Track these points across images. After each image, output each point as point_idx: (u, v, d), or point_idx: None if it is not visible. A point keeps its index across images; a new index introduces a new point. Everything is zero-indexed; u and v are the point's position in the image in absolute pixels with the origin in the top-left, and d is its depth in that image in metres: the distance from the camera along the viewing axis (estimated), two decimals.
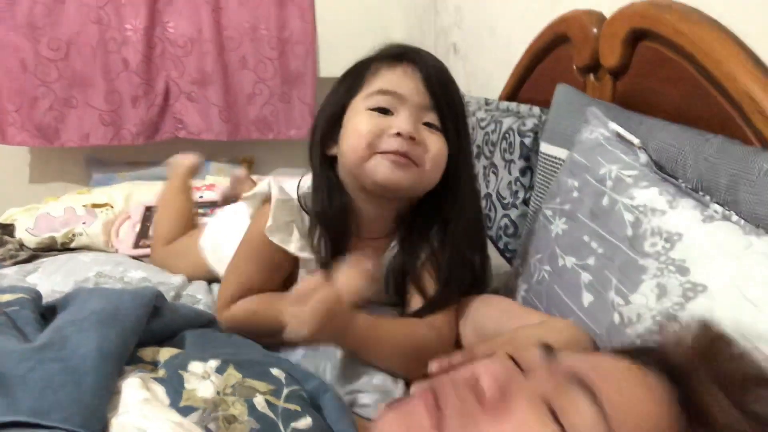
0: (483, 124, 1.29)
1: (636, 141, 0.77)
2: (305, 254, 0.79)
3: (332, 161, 0.80)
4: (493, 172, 1.23)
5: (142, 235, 1.39)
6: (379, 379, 0.70)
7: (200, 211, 1.46)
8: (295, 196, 0.80)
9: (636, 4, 0.93)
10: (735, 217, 0.62)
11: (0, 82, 2.00)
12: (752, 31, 0.75)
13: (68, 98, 2.07)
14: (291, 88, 2.24)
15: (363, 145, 0.73)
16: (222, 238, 0.95)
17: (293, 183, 0.82)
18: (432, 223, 0.80)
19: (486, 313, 0.79)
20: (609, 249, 0.68)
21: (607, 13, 1.02)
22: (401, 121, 0.73)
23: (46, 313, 0.62)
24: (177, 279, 0.82)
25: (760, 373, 0.43)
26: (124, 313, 0.54)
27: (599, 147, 0.80)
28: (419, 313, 0.77)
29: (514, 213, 1.16)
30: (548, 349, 0.45)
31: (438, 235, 0.80)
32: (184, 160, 1.37)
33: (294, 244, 0.78)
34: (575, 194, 0.78)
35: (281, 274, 0.82)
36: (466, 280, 0.81)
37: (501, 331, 0.71)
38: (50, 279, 0.81)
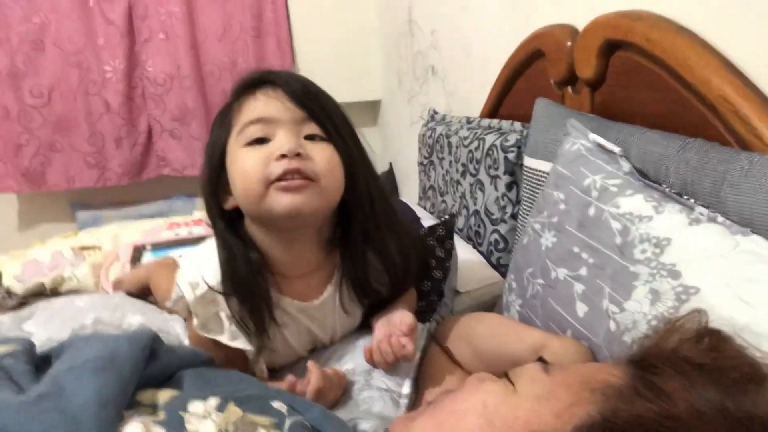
0: (466, 142, 1.31)
1: (617, 150, 0.78)
2: (238, 344, 0.75)
3: (237, 215, 0.76)
4: (480, 189, 1.24)
5: None
6: (378, 406, 0.69)
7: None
8: (205, 281, 0.74)
9: (608, 16, 0.95)
10: (721, 218, 0.62)
11: None
12: (722, 35, 0.77)
13: (52, 143, 2.08)
14: None
15: (253, 183, 0.69)
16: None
17: (201, 255, 0.78)
18: (358, 231, 0.78)
19: (480, 332, 0.79)
20: (600, 258, 0.69)
21: (580, 26, 1.04)
22: (281, 142, 0.69)
23: (41, 363, 0.61)
24: (178, 327, 0.81)
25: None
26: (121, 358, 0.53)
27: (581, 158, 0.81)
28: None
29: (503, 228, 1.17)
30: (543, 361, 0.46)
31: (368, 241, 0.78)
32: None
33: (226, 335, 0.75)
34: (562, 206, 0.79)
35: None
36: (413, 267, 0.82)
37: (498, 351, 0.72)
38: (46, 327, 0.80)
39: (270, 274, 0.77)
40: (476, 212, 1.26)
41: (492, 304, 1.02)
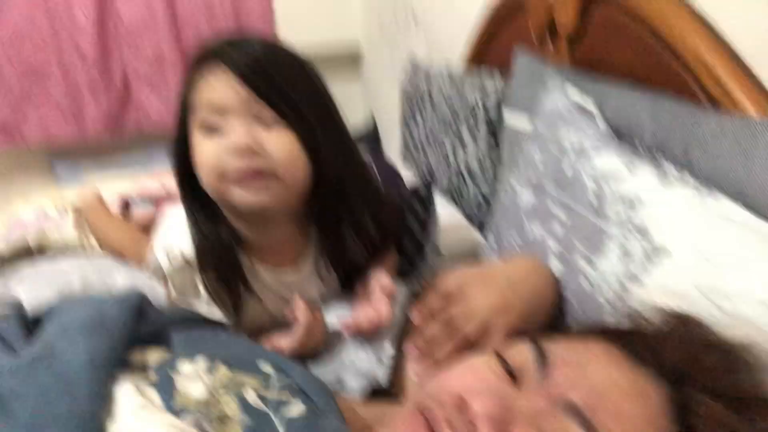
0: (447, 99, 1.30)
1: (594, 110, 0.79)
2: (214, 314, 0.74)
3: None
4: (462, 148, 1.25)
5: None
6: (363, 361, 0.72)
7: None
8: (181, 252, 0.74)
9: None
10: (691, 180, 0.65)
11: None
12: None
13: (26, 94, 2.03)
14: None
15: (211, 178, 0.67)
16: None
17: (177, 222, 0.76)
18: (331, 211, 0.76)
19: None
20: (575, 218, 0.71)
21: None
22: (231, 136, 0.65)
23: (32, 326, 0.62)
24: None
25: (756, 392, 0.46)
26: (111, 320, 0.55)
27: (559, 117, 0.82)
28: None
29: (485, 188, 1.19)
30: (539, 351, 0.47)
31: (342, 219, 0.77)
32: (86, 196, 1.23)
33: (204, 306, 0.75)
34: (539, 165, 0.81)
35: None
36: (390, 237, 0.82)
37: None
38: (33, 287, 0.82)
39: (244, 248, 0.76)
40: (458, 172, 1.27)
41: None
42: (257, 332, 0.80)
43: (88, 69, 2.04)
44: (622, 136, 0.78)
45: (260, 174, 0.66)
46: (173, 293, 0.75)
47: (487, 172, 1.18)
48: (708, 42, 0.74)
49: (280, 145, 0.66)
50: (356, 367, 0.71)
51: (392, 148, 2.08)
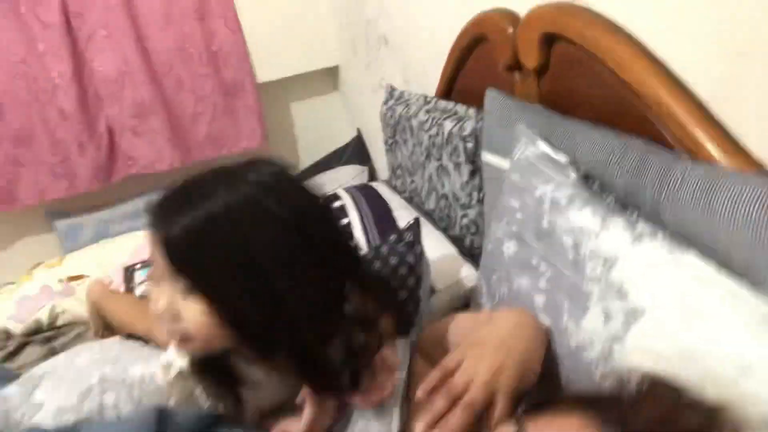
0: (426, 127, 1.33)
1: (564, 160, 0.82)
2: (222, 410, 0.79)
3: None
4: (445, 174, 1.28)
5: None
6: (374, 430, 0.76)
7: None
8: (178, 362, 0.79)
9: (545, 8, 0.96)
10: (660, 234, 0.67)
11: None
12: (658, 36, 0.79)
13: (15, 158, 2.05)
14: (233, 99, 2.22)
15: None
16: None
17: None
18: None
19: (452, 331, 0.85)
20: (556, 273, 0.74)
21: (521, 11, 1.04)
22: (154, 299, 0.72)
23: None
24: None
25: None
26: None
27: (532, 167, 0.85)
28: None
29: (472, 213, 1.22)
30: None
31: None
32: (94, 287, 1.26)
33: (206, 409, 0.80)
34: (518, 216, 0.84)
35: None
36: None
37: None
38: (55, 395, 0.86)
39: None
40: (444, 195, 1.30)
41: (467, 298, 1.08)
42: (265, 414, 0.84)
43: (72, 126, 2.06)
44: (593, 180, 0.81)
45: (177, 334, 0.72)
46: (175, 402, 0.79)
47: (473, 199, 1.21)
48: (667, 85, 0.76)
49: (191, 313, 0.69)
50: None
51: (381, 160, 2.10)
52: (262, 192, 0.70)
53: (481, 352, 0.71)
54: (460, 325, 0.85)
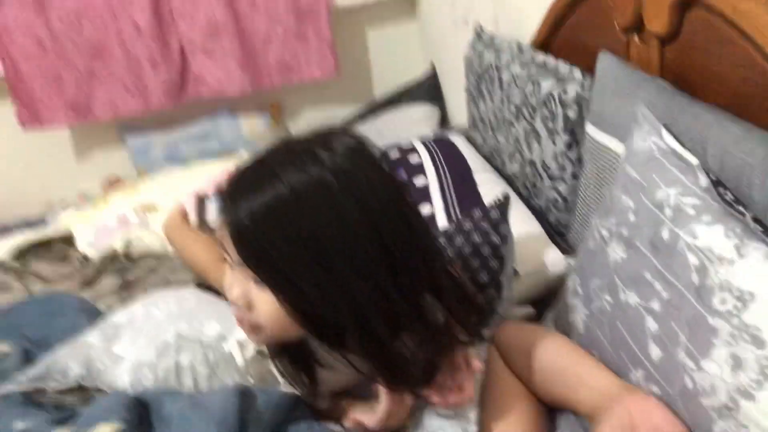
0: (519, 82, 1.22)
1: (695, 162, 0.72)
2: (295, 389, 0.78)
3: None
4: (536, 140, 1.18)
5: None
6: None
7: None
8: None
9: None
10: None
11: (21, 65, 1.99)
12: None
13: (91, 72, 2.06)
14: (305, 24, 2.12)
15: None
16: None
17: None
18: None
19: (549, 359, 0.79)
20: (675, 296, 0.66)
21: None
22: (228, 287, 0.71)
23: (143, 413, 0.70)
24: None
25: None
26: None
27: (654, 161, 0.75)
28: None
29: (563, 187, 1.13)
30: None
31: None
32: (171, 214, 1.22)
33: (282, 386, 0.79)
34: (632, 218, 0.75)
35: None
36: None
37: (563, 387, 0.75)
38: (133, 349, 0.87)
39: None
40: (531, 162, 1.21)
41: (552, 288, 1.02)
42: (337, 395, 0.83)
43: (146, 42, 2.04)
44: (725, 189, 0.71)
45: (247, 323, 0.71)
46: (252, 382, 0.79)
47: (566, 173, 1.12)
48: None
49: (263, 304, 0.68)
50: None
51: (456, 101, 1.99)
52: (335, 176, 0.64)
53: None
54: (563, 354, 0.80)
